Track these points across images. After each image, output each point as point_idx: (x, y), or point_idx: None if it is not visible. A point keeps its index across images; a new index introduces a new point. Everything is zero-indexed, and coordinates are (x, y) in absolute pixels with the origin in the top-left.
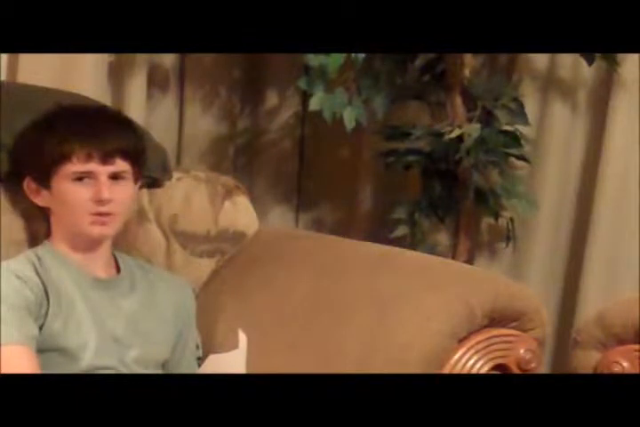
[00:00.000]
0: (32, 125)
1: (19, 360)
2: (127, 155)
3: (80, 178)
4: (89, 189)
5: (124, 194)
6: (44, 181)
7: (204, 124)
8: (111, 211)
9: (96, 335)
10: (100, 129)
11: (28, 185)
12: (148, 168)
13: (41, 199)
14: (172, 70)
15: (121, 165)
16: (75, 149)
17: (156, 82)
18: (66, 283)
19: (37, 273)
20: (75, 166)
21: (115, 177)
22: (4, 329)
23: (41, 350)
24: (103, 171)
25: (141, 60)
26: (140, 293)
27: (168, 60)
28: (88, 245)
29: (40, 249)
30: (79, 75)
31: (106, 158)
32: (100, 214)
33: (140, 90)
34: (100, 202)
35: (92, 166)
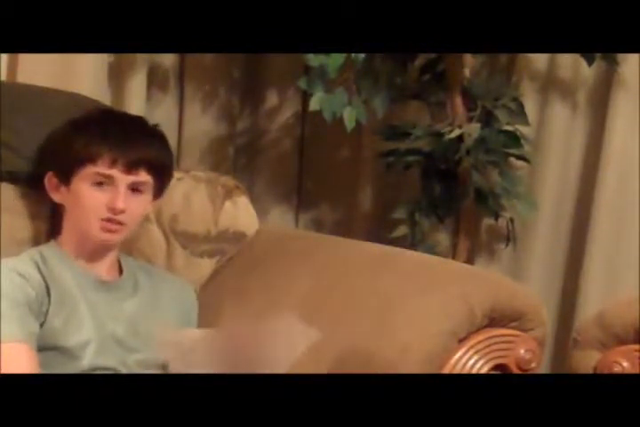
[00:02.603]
0: (67, 124)
1: (18, 358)
2: (152, 167)
3: (100, 182)
4: (106, 195)
5: (138, 206)
6: (66, 178)
7: (203, 124)
8: (122, 221)
9: (97, 336)
10: (131, 138)
11: (50, 180)
12: None
13: (59, 196)
14: (172, 70)
15: (143, 177)
16: (101, 153)
17: (156, 82)
18: (68, 283)
19: (39, 271)
20: (97, 168)
21: (134, 188)
22: (4, 326)
23: (41, 349)
24: (124, 179)
25: (141, 60)
26: (143, 295)
27: (168, 60)
28: (94, 249)
29: (45, 248)
30: (79, 75)
31: (130, 167)
32: (111, 222)
33: (139, 90)
34: (114, 210)
35: (114, 172)
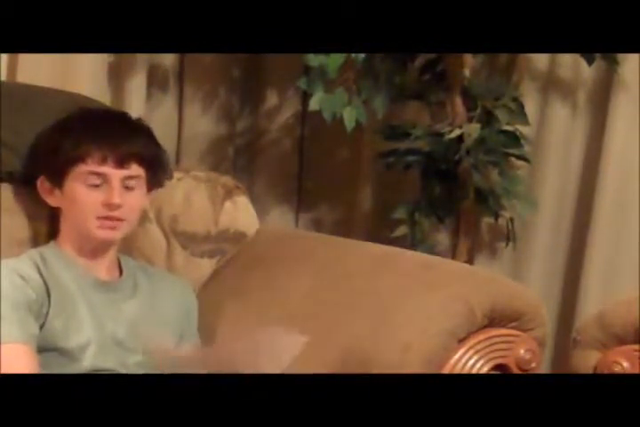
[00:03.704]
0: (52, 126)
1: (19, 359)
2: (143, 160)
3: (93, 180)
4: (101, 193)
5: (135, 200)
6: (58, 180)
7: (203, 124)
8: (121, 216)
9: (97, 337)
10: (118, 133)
11: (42, 184)
12: None
13: (53, 199)
14: (171, 70)
15: (135, 171)
16: (90, 151)
17: (155, 82)
18: (68, 284)
19: (40, 272)
20: (88, 167)
21: (128, 183)
22: (4, 327)
23: (41, 350)
24: (117, 174)
25: (141, 60)
26: (143, 295)
27: (168, 60)
28: (94, 248)
29: (45, 249)
30: (79, 75)
31: (121, 162)
32: (109, 219)
33: (139, 90)
34: (111, 206)
35: (106, 169)
